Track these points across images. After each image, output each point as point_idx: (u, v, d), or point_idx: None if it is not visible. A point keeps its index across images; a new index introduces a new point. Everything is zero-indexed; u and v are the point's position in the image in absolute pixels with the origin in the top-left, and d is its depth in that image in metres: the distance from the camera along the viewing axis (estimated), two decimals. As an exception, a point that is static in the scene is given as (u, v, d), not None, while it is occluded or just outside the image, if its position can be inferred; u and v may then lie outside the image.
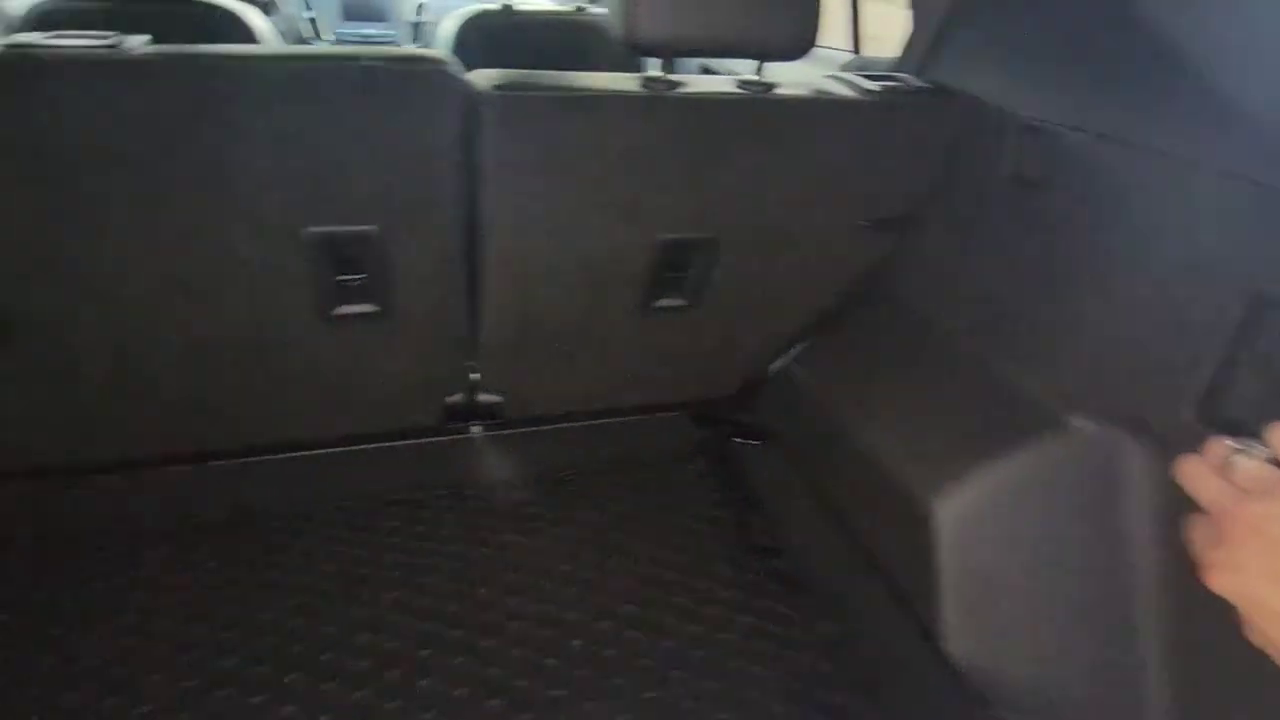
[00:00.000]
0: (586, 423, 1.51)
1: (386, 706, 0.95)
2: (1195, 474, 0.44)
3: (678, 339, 1.46)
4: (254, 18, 2.14)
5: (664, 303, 1.35)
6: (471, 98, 0.99)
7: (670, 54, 1.04)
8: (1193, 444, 0.86)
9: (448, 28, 2.23)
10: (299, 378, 1.25)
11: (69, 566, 1.13)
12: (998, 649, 1.05)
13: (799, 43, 1.04)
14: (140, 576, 1.13)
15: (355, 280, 1.11)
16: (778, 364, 1.60)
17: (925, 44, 1.30)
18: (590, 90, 1.04)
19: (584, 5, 2.35)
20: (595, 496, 1.32)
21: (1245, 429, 0.78)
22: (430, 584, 1.12)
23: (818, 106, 1.13)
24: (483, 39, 2.22)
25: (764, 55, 1.07)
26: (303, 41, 3.14)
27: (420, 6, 3.33)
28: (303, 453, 1.36)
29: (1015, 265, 1.17)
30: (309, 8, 3.19)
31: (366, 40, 3.23)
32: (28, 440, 1.19)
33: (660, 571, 1.17)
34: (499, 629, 1.05)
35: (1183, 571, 0.89)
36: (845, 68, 1.67)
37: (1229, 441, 0.45)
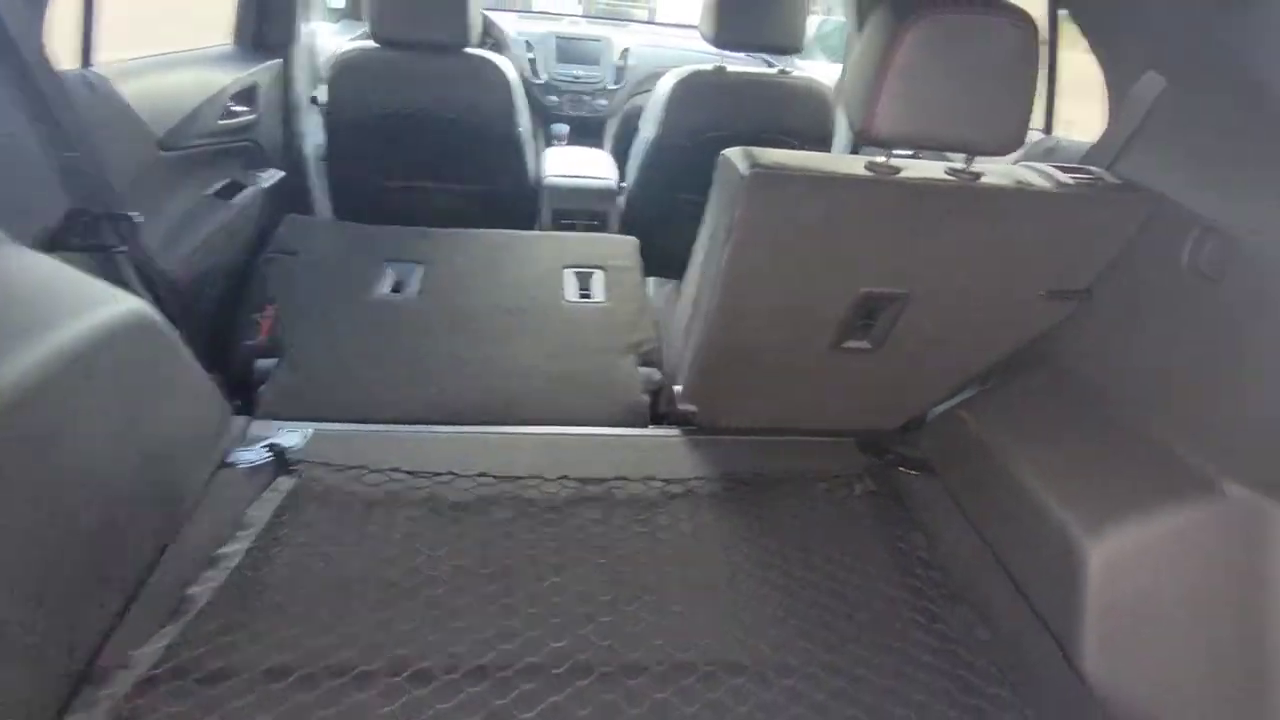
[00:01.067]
0: (766, 438, 1.76)
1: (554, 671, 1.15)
2: None
3: (856, 375, 1.68)
4: (509, 69, 2.55)
5: (851, 344, 1.58)
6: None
7: (895, 146, 1.28)
8: None
9: (665, 85, 2.55)
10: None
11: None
12: (1131, 678, 1.20)
13: (1010, 143, 1.26)
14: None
15: None
16: (942, 406, 1.78)
17: (1119, 140, 1.46)
18: (829, 174, 1.29)
19: (786, 69, 2.62)
20: (774, 499, 1.56)
21: None
22: (645, 548, 1.39)
23: (1017, 196, 1.33)
24: (695, 95, 2.52)
25: (978, 152, 1.29)
26: (524, 81, 3.60)
27: (625, 51, 3.71)
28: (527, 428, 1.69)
29: (1181, 346, 1.31)
30: (530, 49, 3.63)
31: (576, 80, 3.63)
32: None
33: (830, 568, 1.38)
34: (698, 598, 1.30)
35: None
36: (1035, 147, 1.85)
37: None
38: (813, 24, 4.02)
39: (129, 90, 1.69)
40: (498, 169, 2.64)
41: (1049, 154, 1.78)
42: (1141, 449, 1.32)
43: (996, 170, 1.37)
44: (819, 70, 3.30)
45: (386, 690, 1.06)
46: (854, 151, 2.66)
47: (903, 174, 1.31)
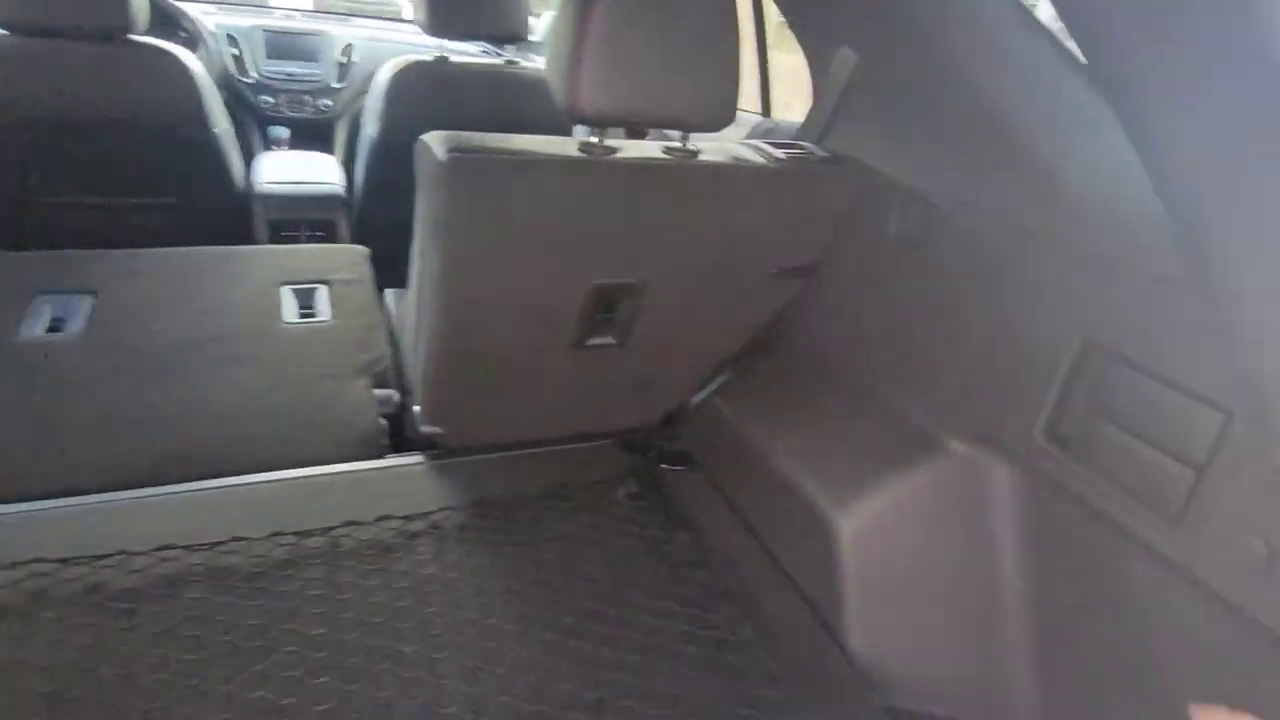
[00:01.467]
0: (521, 451, 1.61)
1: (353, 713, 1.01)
2: None
3: (607, 374, 1.59)
4: (191, 60, 2.18)
5: (595, 341, 1.48)
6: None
7: (605, 124, 1.19)
8: (1042, 459, 1.05)
9: (382, 77, 2.32)
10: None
11: None
12: (890, 644, 1.21)
13: (720, 119, 1.21)
14: None
15: None
16: (698, 396, 1.75)
17: (824, 116, 1.49)
18: (534, 155, 1.17)
19: (514, 59, 2.49)
20: (531, 519, 1.42)
21: (1076, 447, 0.98)
22: (381, 601, 1.19)
23: (733, 172, 1.29)
24: (415, 87, 2.32)
25: (689, 129, 1.23)
26: (226, 79, 3.15)
27: (348, 47, 3.39)
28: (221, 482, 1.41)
29: (900, 313, 1.35)
30: (235, 45, 3.20)
31: (292, 78, 3.26)
32: None
33: (596, 586, 1.27)
34: (447, 643, 1.13)
35: (1041, 569, 1.08)
36: (755, 130, 1.87)
37: None
38: (550, 17, 3.94)
39: None
40: (193, 178, 2.25)
41: (768, 135, 1.80)
42: (878, 417, 1.34)
43: (713, 149, 1.32)
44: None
45: None
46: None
47: (618, 154, 1.22)
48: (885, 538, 1.23)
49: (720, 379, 1.75)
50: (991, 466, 1.16)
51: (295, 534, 1.28)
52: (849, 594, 1.23)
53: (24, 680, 0.99)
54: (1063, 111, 1.07)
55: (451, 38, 2.32)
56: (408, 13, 4.66)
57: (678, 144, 1.28)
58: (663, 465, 1.63)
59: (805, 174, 1.36)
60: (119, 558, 1.19)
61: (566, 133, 2.53)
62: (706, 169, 1.27)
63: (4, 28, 1.96)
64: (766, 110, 1.95)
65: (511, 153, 1.16)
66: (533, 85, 2.42)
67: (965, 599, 1.17)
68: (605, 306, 1.41)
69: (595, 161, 1.19)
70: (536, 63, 3.40)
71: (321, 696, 1.02)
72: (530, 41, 3.73)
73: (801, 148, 1.42)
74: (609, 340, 1.48)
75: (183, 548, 1.23)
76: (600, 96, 1.13)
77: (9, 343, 1.61)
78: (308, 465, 1.48)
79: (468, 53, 2.99)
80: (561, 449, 1.65)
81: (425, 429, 1.55)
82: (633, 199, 1.25)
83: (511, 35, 2.33)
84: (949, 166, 1.25)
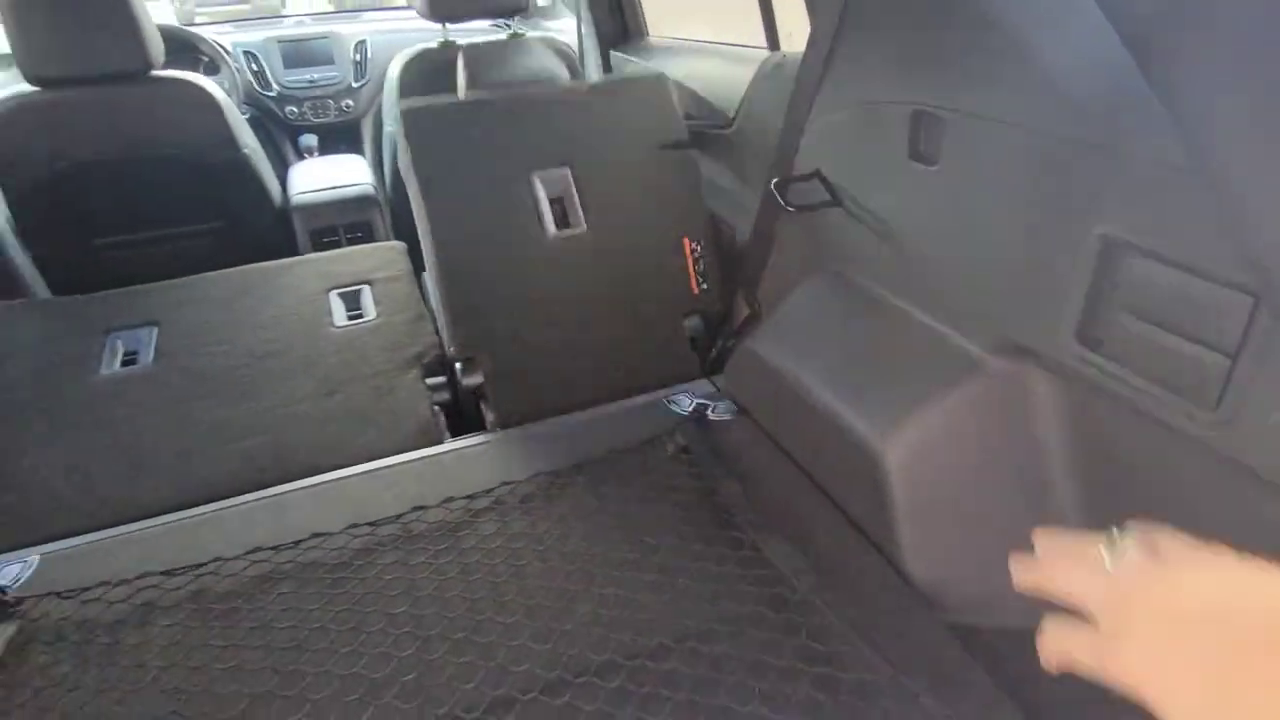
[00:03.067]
0: (573, 417, 1.67)
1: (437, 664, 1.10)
2: (1067, 577, 0.43)
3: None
4: (209, 85, 2.26)
5: (566, 232, 1.75)
6: None
7: None
8: (1078, 364, 1.03)
9: (394, 70, 2.35)
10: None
11: None
12: (944, 563, 1.22)
13: None
14: None
15: None
16: (736, 343, 1.76)
17: (826, 41, 1.45)
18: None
19: (519, 30, 2.48)
20: (587, 483, 1.47)
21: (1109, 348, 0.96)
22: (454, 577, 1.26)
23: None
24: (425, 74, 2.35)
25: None
26: (253, 96, 3.25)
27: (360, 44, 3.44)
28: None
29: (922, 233, 1.33)
30: (253, 60, 3.29)
31: (313, 84, 3.33)
32: None
33: (653, 538, 1.32)
34: (518, 607, 1.20)
35: (1087, 473, 1.07)
36: (763, 65, 1.83)
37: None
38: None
39: None
40: (231, 200, 2.35)
41: (776, 70, 1.77)
42: (915, 342, 1.33)
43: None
44: (567, 26, 3.19)
45: None
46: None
47: None
48: (932, 459, 1.23)
49: (755, 324, 1.75)
50: (1029, 377, 1.15)
51: (369, 524, 1.37)
52: (900, 519, 1.24)
53: (145, 680, 1.10)
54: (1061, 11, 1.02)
55: (453, 20, 2.33)
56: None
57: None
58: (709, 415, 1.66)
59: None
60: (215, 564, 1.30)
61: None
62: None
63: (34, 84, 2.07)
64: (774, 44, 1.90)
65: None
66: (539, 51, 2.42)
67: (1015, 511, 1.17)
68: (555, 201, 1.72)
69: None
70: (545, 29, 3.38)
71: (408, 667, 1.10)
72: (538, 7, 3.71)
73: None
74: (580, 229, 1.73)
75: (270, 549, 1.32)
76: None
77: (91, 382, 1.74)
78: (373, 459, 1.57)
79: (475, 31, 2.99)
80: (613, 409, 1.69)
81: (487, 411, 1.63)
82: None
83: (514, 7, 2.32)
84: (954, 80, 1.21)
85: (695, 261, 1.80)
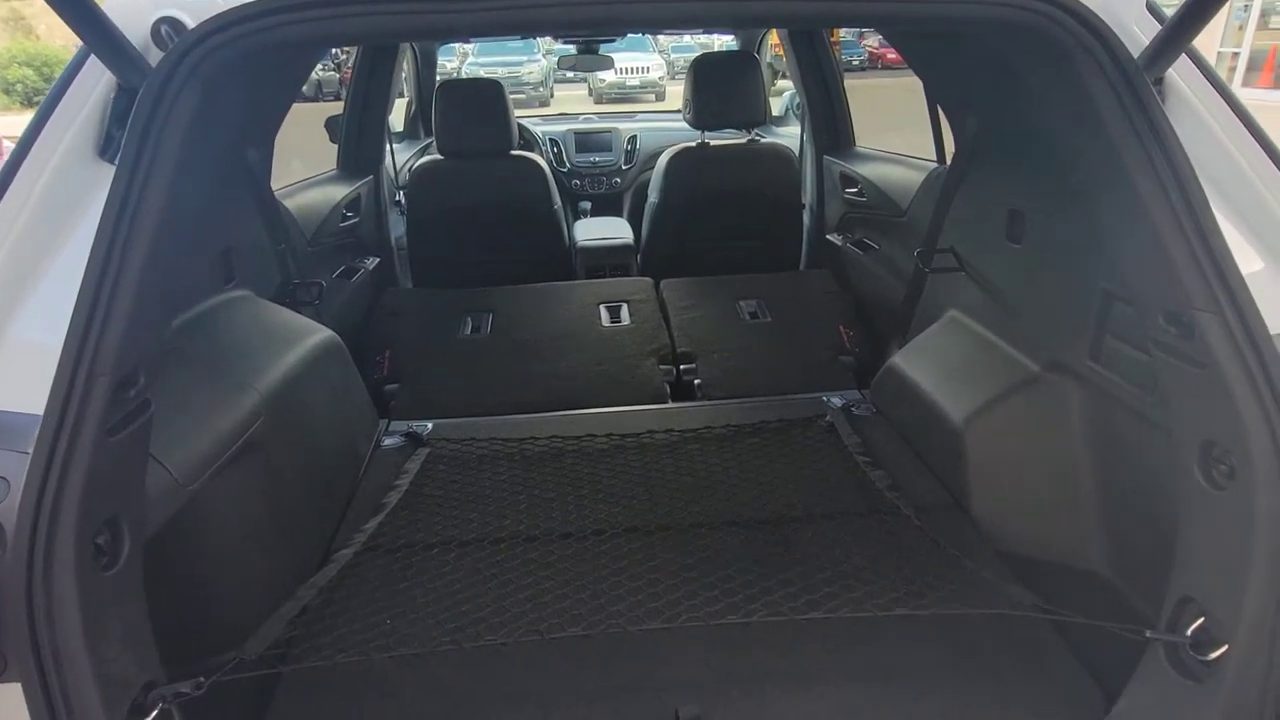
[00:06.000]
0: (756, 399, 2.41)
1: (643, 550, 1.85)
2: None
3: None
4: (541, 162, 3.34)
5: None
6: None
7: None
8: (1091, 375, 1.66)
9: (662, 161, 3.31)
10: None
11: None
12: (1000, 510, 1.79)
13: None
14: None
15: None
16: (886, 364, 2.42)
17: (960, 166, 2.13)
18: None
19: (756, 136, 3.35)
20: (754, 441, 2.19)
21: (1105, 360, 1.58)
22: (670, 478, 2.03)
23: None
24: (685, 166, 3.27)
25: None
26: (557, 169, 4.42)
27: (632, 138, 4.53)
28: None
29: (1008, 286, 1.95)
30: (555, 145, 4.46)
31: (595, 165, 4.44)
32: None
33: (799, 489, 2.00)
34: (694, 485, 1.95)
35: (1103, 453, 1.62)
36: (931, 174, 2.52)
37: None
38: (788, 98, 4.81)
39: (292, 206, 2.47)
40: (540, 239, 3.39)
41: (939, 178, 2.45)
42: (995, 360, 1.94)
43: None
44: (792, 133, 4.05)
45: (541, 549, 1.72)
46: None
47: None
48: (997, 435, 1.82)
49: (899, 349, 2.41)
50: (1065, 385, 1.72)
51: (621, 435, 2.19)
52: (972, 478, 1.83)
53: (497, 484, 1.98)
54: None
55: (713, 129, 3.24)
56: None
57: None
58: (854, 410, 2.32)
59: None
60: (531, 441, 2.18)
61: (795, 185, 3.34)
62: None
63: (442, 154, 3.23)
64: (941, 158, 2.58)
65: None
66: (769, 158, 3.27)
67: (1051, 474, 1.72)
68: None
69: None
70: (775, 135, 4.27)
71: (643, 505, 1.88)
72: (774, 116, 4.63)
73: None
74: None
75: (563, 439, 2.18)
76: None
77: (455, 340, 2.77)
78: (622, 404, 2.41)
79: (723, 135, 3.92)
80: (780, 399, 2.42)
81: (697, 382, 2.46)
82: None
83: (753, 121, 3.20)
84: (1035, 192, 1.84)
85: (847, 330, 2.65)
